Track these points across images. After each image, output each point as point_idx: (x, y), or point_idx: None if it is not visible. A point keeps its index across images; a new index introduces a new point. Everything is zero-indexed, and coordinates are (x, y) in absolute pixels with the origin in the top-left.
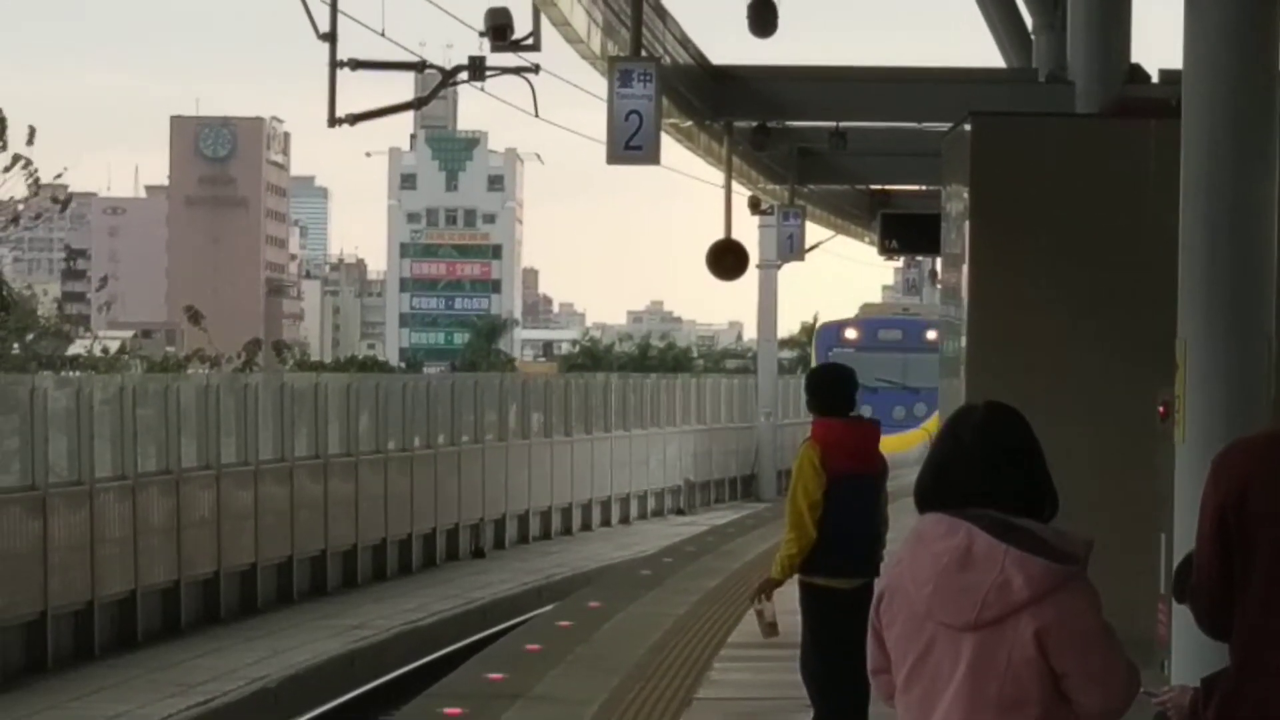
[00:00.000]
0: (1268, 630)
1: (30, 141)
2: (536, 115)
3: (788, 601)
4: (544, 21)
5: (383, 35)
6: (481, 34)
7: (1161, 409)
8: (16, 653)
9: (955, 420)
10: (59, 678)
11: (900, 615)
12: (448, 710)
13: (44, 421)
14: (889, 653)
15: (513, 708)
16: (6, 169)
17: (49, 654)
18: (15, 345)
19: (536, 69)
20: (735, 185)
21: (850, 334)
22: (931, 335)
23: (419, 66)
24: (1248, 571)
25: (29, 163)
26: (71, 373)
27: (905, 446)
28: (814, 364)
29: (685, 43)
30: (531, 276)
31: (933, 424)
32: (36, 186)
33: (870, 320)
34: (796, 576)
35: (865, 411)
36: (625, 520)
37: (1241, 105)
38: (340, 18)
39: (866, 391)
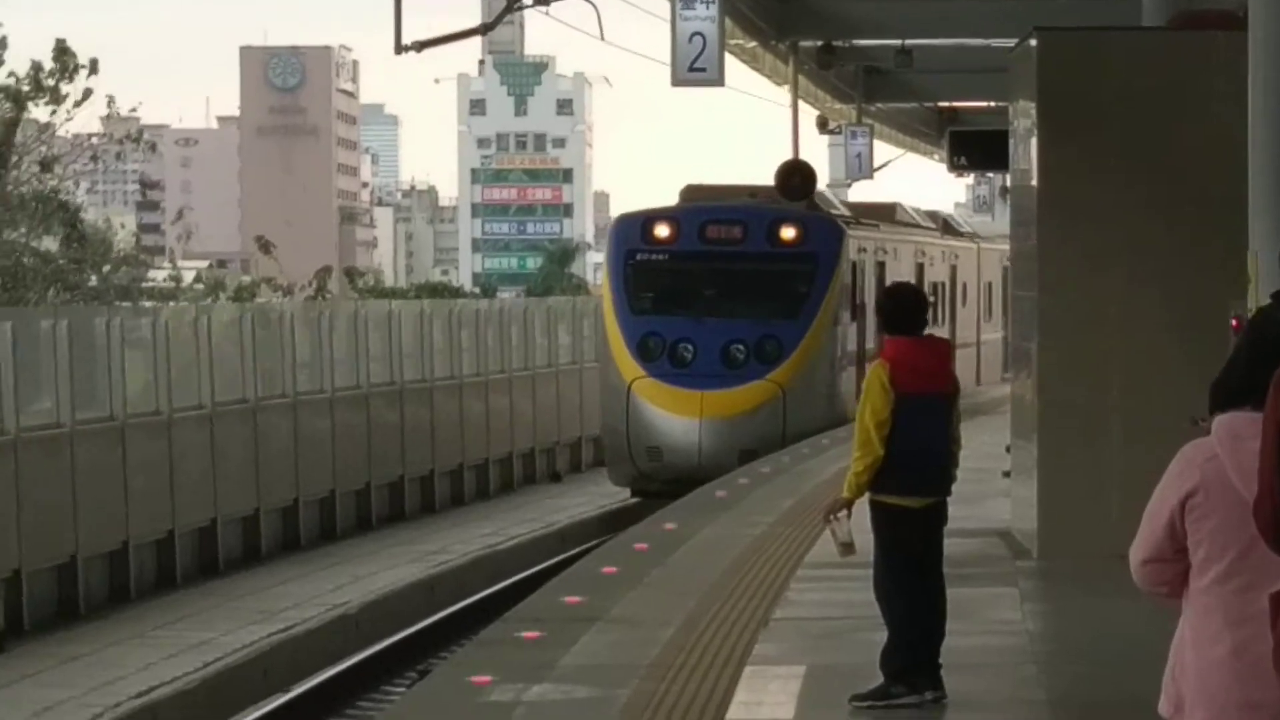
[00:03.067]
0: None
1: (94, 72)
2: (602, 39)
3: (862, 521)
4: None
5: None
6: None
7: (1234, 322)
8: (101, 583)
9: (1264, 320)
10: (141, 606)
11: (1219, 509)
12: (526, 634)
13: (120, 353)
14: (1187, 545)
15: (590, 630)
16: (78, 103)
17: (131, 584)
18: (93, 277)
19: None
20: (801, 106)
21: (662, 230)
22: (790, 233)
23: None
24: None
25: (110, 101)
26: (147, 302)
27: (743, 407)
28: (606, 272)
29: None
30: (603, 200)
31: (784, 375)
32: (118, 124)
33: (694, 210)
34: (868, 496)
35: (685, 352)
36: None
37: None
38: None
39: (688, 321)
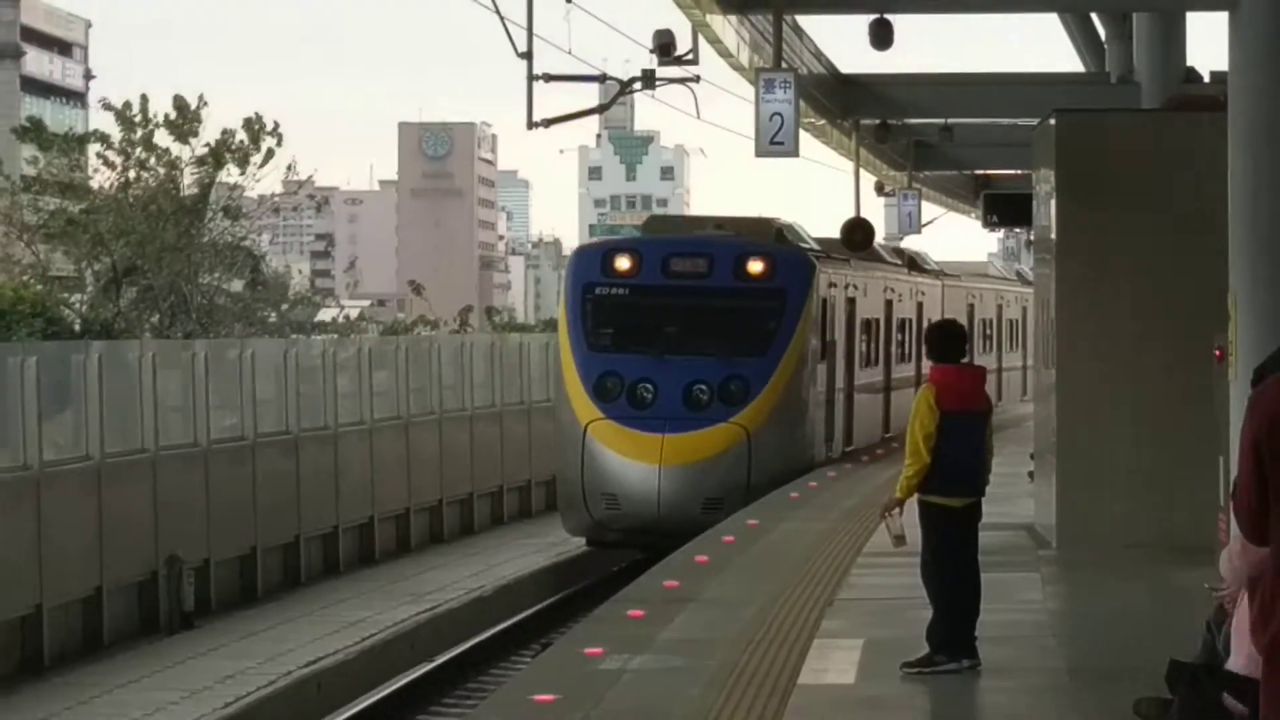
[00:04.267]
0: None
1: (279, 143)
2: (698, 117)
3: (911, 517)
4: (701, 40)
5: (569, 53)
6: (651, 51)
7: (1218, 352)
8: (277, 571)
9: None
10: (310, 589)
11: None
12: (631, 613)
13: (295, 378)
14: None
15: (686, 610)
16: (261, 165)
17: (302, 570)
18: (272, 314)
19: (697, 79)
20: (862, 173)
21: (623, 263)
22: (757, 267)
23: (601, 78)
24: None
25: (291, 165)
26: (319, 336)
27: (707, 452)
28: (563, 306)
29: (818, 55)
30: None
31: (750, 417)
32: (297, 185)
33: (657, 242)
34: (916, 496)
35: (645, 393)
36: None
37: (1277, 100)
38: (535, 39)
39: (649, 360)
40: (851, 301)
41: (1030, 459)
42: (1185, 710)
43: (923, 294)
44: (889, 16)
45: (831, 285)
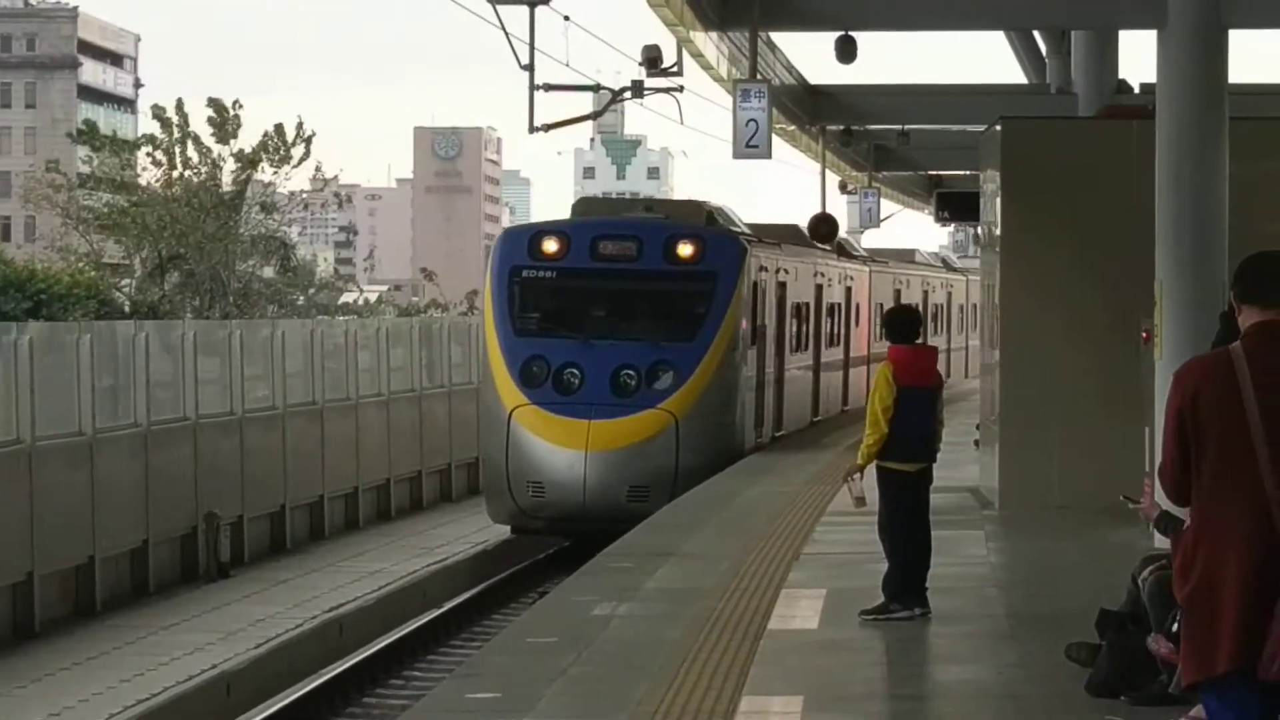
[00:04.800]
0: (1214, 502)
1: (308, 145)
2: (681, 123)
3: (870, 481)
4: (684, 54)
5: (567, 65)
6: (640, 63)
7: (1145, 334)
8: (303, 527)
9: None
10: (333, 543)
11: None
12: (621, 565)
13: (322, 354)
14: None
15: (668, 563)
16: (294, 166)
17: (326, 526)
18: (300, 297)
19: (681, 89)
20: (828, 173)
21: (550, 245)
22: (687, 250)
23: (595, 88)
24: (1199, 459)
25: (318, 166)
26: (342, 317)
27: (634, 438)
28: (489, 290)
29: (789, 68)
30: None
31: (679, 403)
32: (323, 183)
33: (585, 225)
34: (875, 462)
35: (572, 378)
36: None
37: (1198, 109)
38: (536, 53)
39: (575, 344)
40: (782, 285)
41: (976, 429)
42: (1112, 654)
43: (851, 279)
44: (853, 34)
45: (762, 269)
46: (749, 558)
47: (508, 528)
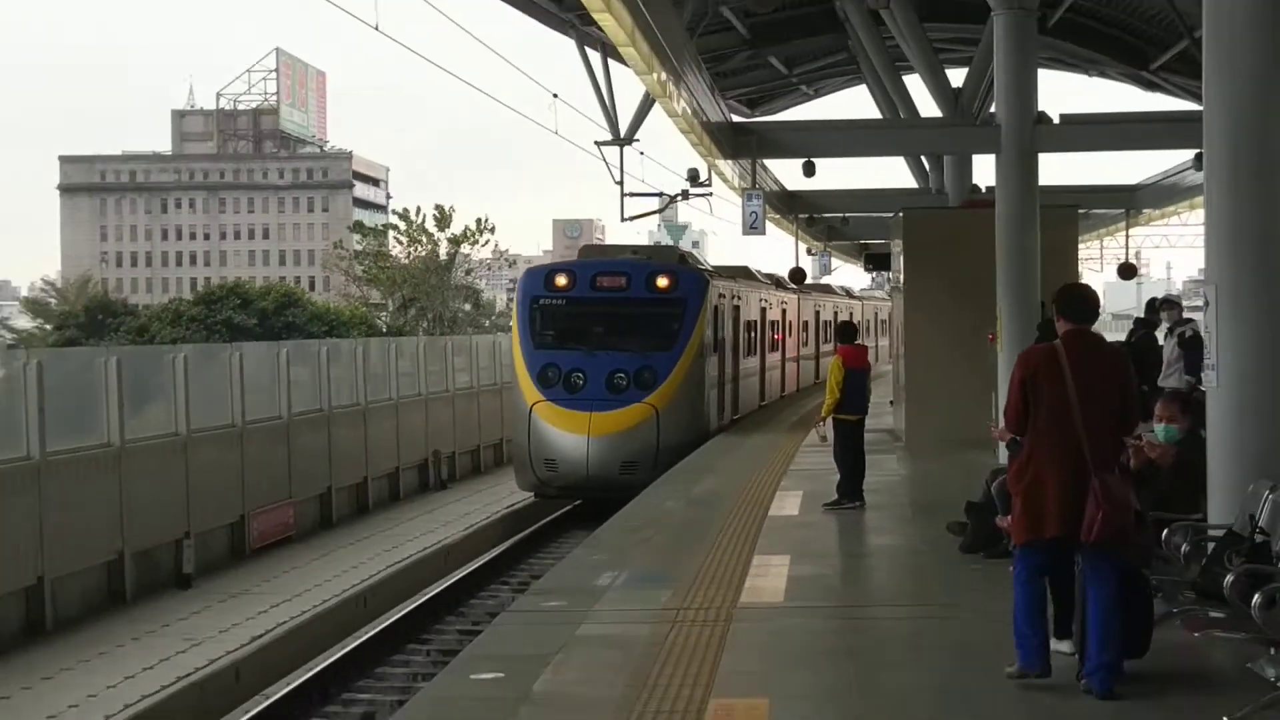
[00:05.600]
0: (1045, 436)
1: (493, 230)
2: (711, 214)
3: (827, 426)
4: (713, 174)
5: (642, 181)
6: (685, 178)
7: (991, 337)
8: (312, 516)
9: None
10: (343, 529)
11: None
12: (674, 482)
13: (421, 359)
14: None
15: (706, 477)
16: (483, 244)
17: (333, 515)
18: (486, 322)
19: (711, 194)
20: (800, 243)
21: (561, 280)
22: (663, 282)
23: (660, 194)
24: (1036, 409)
25: (497, 244)
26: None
27: (625, 425)
28: (515, 314)
29: (775, 180)
30: None
31: (659, 398)
32: (499, 253)
33: (587, 263)
34: (832, 415)
35: (577, 380)
36: None
37: (1020, 201)
38: (625, 175)
39: (580, 354)
40: (736, 308)
41: (890, 402)
42: (974, 528)
43: (785, 303)
44: (813, 160)
45: (721, 295)
46: (756, 473)
47: (531, 494)
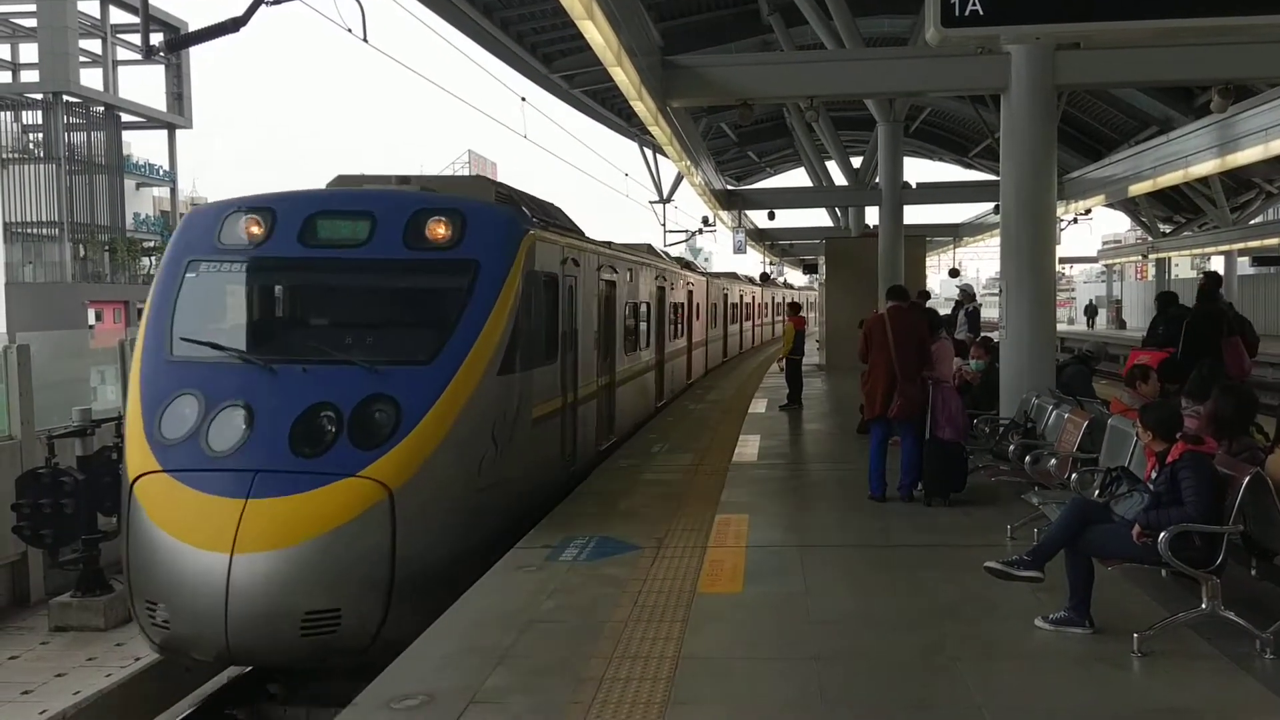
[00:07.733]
0: (874, 364)
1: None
2: (715, 240)
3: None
4: (717, 219)
5: (677, 224)
6: (702, 219)
7: (860, 324)
8: None
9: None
10: None
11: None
12: (652, 435)
13: None
14: None
15: (702, 402)
16: None
17: None
18: None
19: (715, 229)
20: (766, 258)
21: (248, 227)
22: (440, 230)
23: (687, 231)
24: (869, 347)
25: None
26: None
27: (316, 527)
28: (152, 292)
29: (754, 222)
30: None
31: (400, 460)
32: None
33: (300, 198)
34: (786, 356)
35: (234, 424)
36: None
37: (891, 235)
38: (667, 221)
39: (252, 371)
40: (612, 284)
41: (818, 346)
42: (860, 420)
43: (691, 285)
44: (774, 210)
45: (572, 262)
46: (742, 390)
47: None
